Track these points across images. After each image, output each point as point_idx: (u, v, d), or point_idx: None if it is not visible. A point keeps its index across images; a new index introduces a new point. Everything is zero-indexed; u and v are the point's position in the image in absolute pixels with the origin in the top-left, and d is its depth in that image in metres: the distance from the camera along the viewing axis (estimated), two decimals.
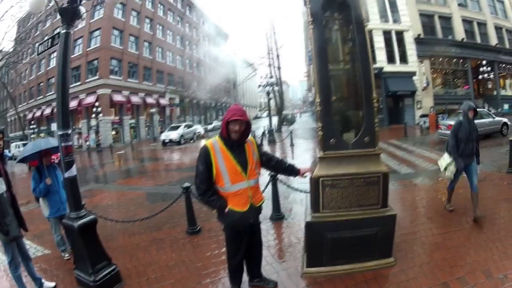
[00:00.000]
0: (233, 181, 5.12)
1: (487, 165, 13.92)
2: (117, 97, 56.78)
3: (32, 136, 62.77)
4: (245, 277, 5.96)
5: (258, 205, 5.45)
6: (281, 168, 5.84)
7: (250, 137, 5.43)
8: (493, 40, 45.43)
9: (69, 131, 6.20)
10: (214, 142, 5.17)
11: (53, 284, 6.62)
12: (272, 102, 46.48)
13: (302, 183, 10.54)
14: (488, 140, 22.19)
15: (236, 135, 5.08)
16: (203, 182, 5.13)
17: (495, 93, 46.15)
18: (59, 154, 6.32)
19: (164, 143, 43.13)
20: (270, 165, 5.77)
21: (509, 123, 24.52)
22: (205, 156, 5.08)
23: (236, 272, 5.66)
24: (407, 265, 6.12)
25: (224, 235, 5.62)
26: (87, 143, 50.65)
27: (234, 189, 5.14)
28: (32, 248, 8.73)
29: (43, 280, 6.47)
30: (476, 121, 8.67)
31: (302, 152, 24.35)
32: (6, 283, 7.02)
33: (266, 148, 29.20)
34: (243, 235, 5.42)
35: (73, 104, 52.02)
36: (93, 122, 52.76)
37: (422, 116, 32.64)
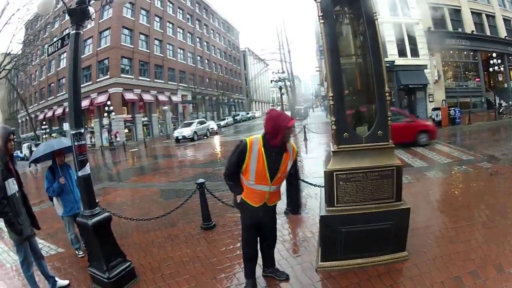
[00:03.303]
0: (257, 182, 5.25)
1: (498, 159, 13.90)
2: (129, 96, 57.03)
3: (44, 136, 63.14)
4: (260, 271, 6.06)
5: (271, 205, 5.58)
6: (291, 190, 5.94)
7: (293, 145, 5.50)
8: (502, 33, 45.05)
9: (82, 130, 6.23)
10: (255, 141, 5.23)
11: (66, 282, 6.67)
12: (285, 97, 46.49)
13: (316, 177, 10.57)
14: (498, 133, 22.09)
15: (289, 137, 5.26)
16: (229, 168, 5.37)
17: (506, 85, 45.77)
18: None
19: (177, 140, 43.17)
20: (287, 178, 5.73)
21: None
22: (241, 151, 5.20)
23: (249, 262, 5.72)
24: (420, 259, 6.11)
25: (241, 222, 5.77)
26: (118, 139, 50.83)
27: (255, 188, 5.30)
28: (46, 247, 8.83)
29: (56, 278, 6.51)
30: None
31: (316, 146, 24.27)
32: (19, 283, 7.07)
33: None
34: (253, 224, 5.55)
35: (84, 103, 52.37)
36: (105, 121, 52.86)
37: (435, 109, 32.37)
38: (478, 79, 44.39)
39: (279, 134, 5.04)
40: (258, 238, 5.77)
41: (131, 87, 58.29)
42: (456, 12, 43.12)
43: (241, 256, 6.00)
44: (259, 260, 6.00)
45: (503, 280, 5.27)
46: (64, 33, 6.72)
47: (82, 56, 6.74)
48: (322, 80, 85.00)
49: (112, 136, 50.64)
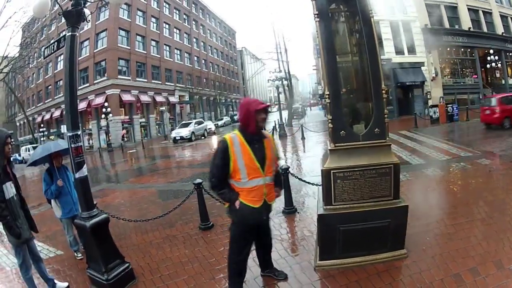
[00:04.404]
0: (250, 176, 5.07)
1: (497, 155, 13.92)
2: (126, 97, 56.99)
3: (42, 139, 63.12)
4: (258, 270, 6.08)
5: (271, 203, 5.41)
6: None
7: (268, 133, 5.43)
8: (499, 29, 45.09)
9: (79, 132, 6.23)
10: (233, 137, 5.10)
11: (66, 284, 6.67)
12: (282, 96, 46.49)
13: (314, 176, 10.55)
14: (496, 130, 22.11)
15: (264, 124, 5.14)
16: (215, 176, 5.12)
17: (503, 82, 45.78)
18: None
19: (175, 141, 43.24)
20: None
21: None
22: (224, 150, 5.03)
23: (236, 276, 5.52)
24: (419, 256, 6.11)
25: (230, 232, 5.51)
26: (125, 139, 51.05)
27: (250, 185, 5.09)
28: (45, 249, 8.83)
29: (55, 281, 6.52)
30: None
31: (313, 145, 24.40)
32: (18, 286, 7.08)
33: (277, 142, 29.23)
34: (251, 233, 5.40)
35: (82, 105, 52.54)
36: (103, 123, 52.87)
37: (432, 106, 32.45)
38: (476, 76, 44.38)
39: (252, 119, 5.01)
40: (254, 245, 5.71)
41: (129, 88, 58.28)
42: (452, 9, 43.12)
43: None
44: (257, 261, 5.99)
45: (504, 277, 5.25)
46: (61, 35, 6.73)
47: (79, 58, 6.78)
48: (319, 79, 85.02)
49: (110, 138, 50.68)
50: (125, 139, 52.11)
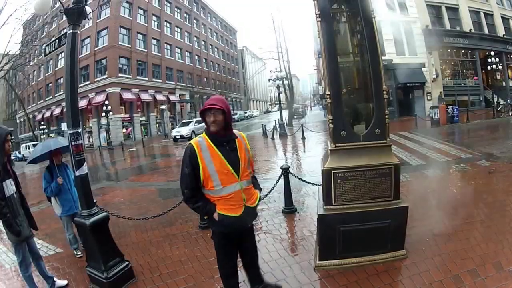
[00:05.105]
0: (224, 183, 4.63)
1: (496, 157, 13.89)
2: (127, 95, 57.07)
3: (42, 136, 63.16)
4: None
5: (254, 206, 4.98)
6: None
7: (240, 133, 5.00)
8: (501, 31, 45.18)
9: (79, 130, 6.23)
10: (200, 140, 4.67)
11: (65, 282, 6.67)
12: (283, 96, 46.51)
13: (314, 176, 10.52)
14: (496, 132, 22.12)
15: (215, 126, 4.58)
16: (187, 187, 4.74)
17: (504, 84, 45.90)
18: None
19: (175, 139, 43.35)
20: None
21: None
22: (190, 156, 4.61)
23: (230, 279, 5.23)
24: (418, 257, 6.10)
25: (214, 242, 5.12)
26: (130, 136, 51.23)
27: (226, 192, 4.66)
28: (44, 247, 8.83)
29: (55, 279, 6.52)
30: None
31: (314, 145, 24.42)
32: (18, 284, 7.07)
33: (278, 141, 29.74)
34: (234, 241, 5.03)
35: (82, 103, 52.48)
36: (103, 121, 52.96)
37: (433, 107, 32.49)
38: (476, 78, 44.44)
39: (204, 120, 4.66)
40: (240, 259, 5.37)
41: (129, 87, 58.41)
42: (454, 11, 43.16)
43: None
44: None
45: (503, 279, 5.25)
46: (62, 33, 6.73)
47: (80, 56, 6.79)
48: (320, 79, 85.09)
49: (110, 136, 50.75)
50: (131, 136, 52.28)
